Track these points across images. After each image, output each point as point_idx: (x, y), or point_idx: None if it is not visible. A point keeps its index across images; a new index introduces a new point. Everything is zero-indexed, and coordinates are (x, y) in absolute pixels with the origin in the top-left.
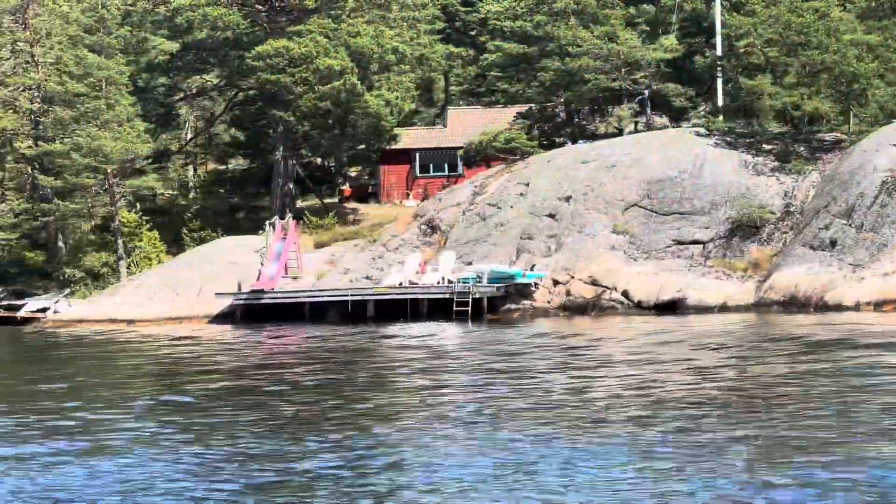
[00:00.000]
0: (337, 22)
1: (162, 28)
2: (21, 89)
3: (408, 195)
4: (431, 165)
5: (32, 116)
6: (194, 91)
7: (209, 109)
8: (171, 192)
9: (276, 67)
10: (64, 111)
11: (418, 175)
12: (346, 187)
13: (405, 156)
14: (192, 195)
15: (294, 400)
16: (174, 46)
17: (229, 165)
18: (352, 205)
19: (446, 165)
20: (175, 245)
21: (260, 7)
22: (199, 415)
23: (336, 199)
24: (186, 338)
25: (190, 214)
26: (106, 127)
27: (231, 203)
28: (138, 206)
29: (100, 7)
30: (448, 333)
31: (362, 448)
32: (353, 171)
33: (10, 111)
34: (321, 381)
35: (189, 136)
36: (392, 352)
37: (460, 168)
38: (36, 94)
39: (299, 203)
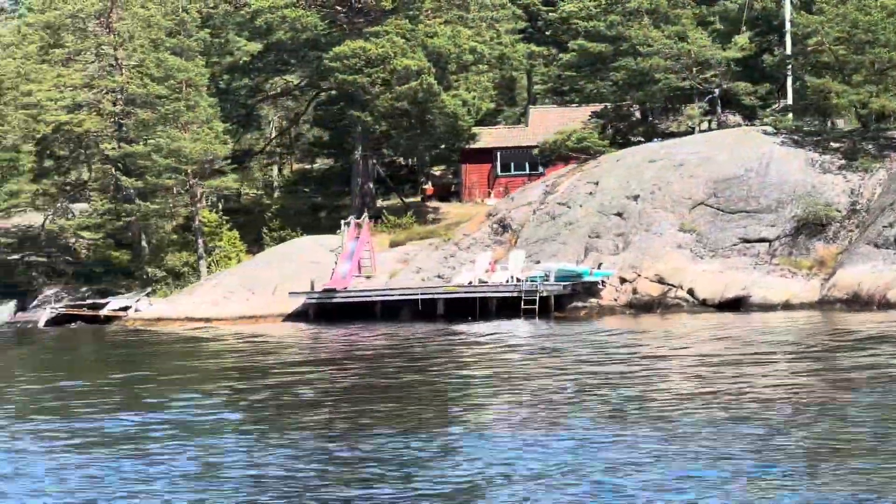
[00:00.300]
0: (414, 23)
1: (244, 30)
2: (105, 92)
3: (489, 194)
4: (513, 164)
5: (115, 119)
6: (278, 91)
7: (293, 109)
8: (255, 191)
9: (353, 68)
10: (145, 113)
11: (500, 174)
12: (429, 186)
13: (487, 155)
14: (276, 195)
15: (373, 395)
16: (257, 47)
17: (315, 165)
18: (433, 203)
19: (527, 164)
20: (257, 244)
21: (339, 8)
22: (268, 411)
23: (419, 198)
24: (259, 336)
25: (270, 214)
26: (186, 128)
27: (314, 202)
28: (220, 205)
29: (180, 10)
30: (513, 330)
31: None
32: (437, 170)
33: (95, 113)
34: (396, 378)
35: (278, 135)
36: (461, 348)
37: (541, 167)
38: (119, 97)
39: (381, 202)
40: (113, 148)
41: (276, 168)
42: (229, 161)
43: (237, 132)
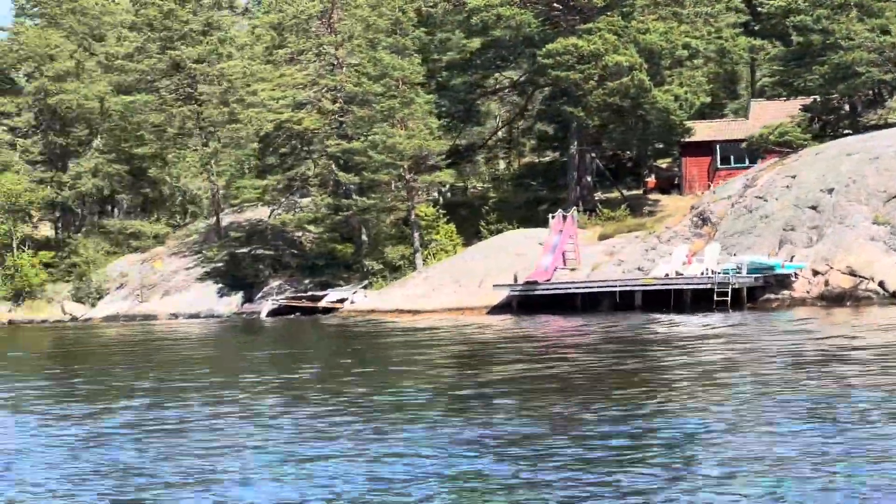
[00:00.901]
0: (627, 19)
1: (461, 28)
2: (325, 90)
3: (709, 186)
4: (732, 157)
5: (335, 116)
6: (498, 87)
7: (518, 104)
8: (482, 184)
9: (565, 65)
10: (362, 110)
11: (719, 166)
12: (651, 179)
13: (706, 148)
14: (503, 188)
15: (584, 386)
16: (476, 45)
17: (544, 158)
18: (654, 196)
19: (746, 157)
20: (476, 237)
21: (556, 5)
22: (471, 401)
23: (641, 191)
24: (463, 326)
25: (487, 208)
26: (402, 125)
27: (538, 195)
28: (441, 199)
29: (397, 10)
30: (706, 321)
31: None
32: (663, 163)
33: (316, 111)
34: (610, 366)
35: (500, 130)
36: (660, 338)
37: (759, 160)
38: (339, 95)
39: (601, 195)
40: (334, 144)
41: (502, 162)
42: (443, 157)
43: (457, 128)
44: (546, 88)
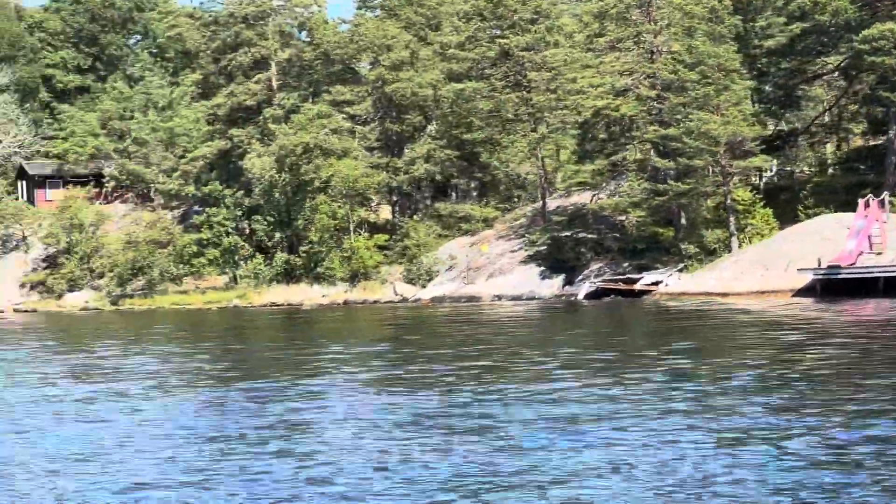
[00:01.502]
0: None
1: (781, 14)
2: (643, 77)
3: None
4: None
5: (652, 103)
6: (818, 72)
7: (845, 89)
8: (809, 169)
9: (882, 50)
10: (678, 97)
11: None
12: None
13: None
14: (829, 171)
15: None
16: (797, 31)
17: (874, 142)
18: None
19: None
20: (793, 222)
21: None
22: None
23: None
24: (771, 309)
25: (805, 192)
26: (717, 111)
27: (864, 180)
28: (761, 184)
29: None
30: None
31: None
32: None
33: (634, 98)
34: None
35: (824, 114)
36: None
37: None
38: (656, 82)
39: None
40: (652, 130)
41: (829, 146)
42: (758, 142)
43: (777, 113)
44: (868, 73)
